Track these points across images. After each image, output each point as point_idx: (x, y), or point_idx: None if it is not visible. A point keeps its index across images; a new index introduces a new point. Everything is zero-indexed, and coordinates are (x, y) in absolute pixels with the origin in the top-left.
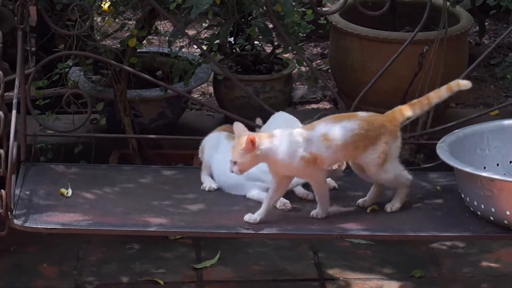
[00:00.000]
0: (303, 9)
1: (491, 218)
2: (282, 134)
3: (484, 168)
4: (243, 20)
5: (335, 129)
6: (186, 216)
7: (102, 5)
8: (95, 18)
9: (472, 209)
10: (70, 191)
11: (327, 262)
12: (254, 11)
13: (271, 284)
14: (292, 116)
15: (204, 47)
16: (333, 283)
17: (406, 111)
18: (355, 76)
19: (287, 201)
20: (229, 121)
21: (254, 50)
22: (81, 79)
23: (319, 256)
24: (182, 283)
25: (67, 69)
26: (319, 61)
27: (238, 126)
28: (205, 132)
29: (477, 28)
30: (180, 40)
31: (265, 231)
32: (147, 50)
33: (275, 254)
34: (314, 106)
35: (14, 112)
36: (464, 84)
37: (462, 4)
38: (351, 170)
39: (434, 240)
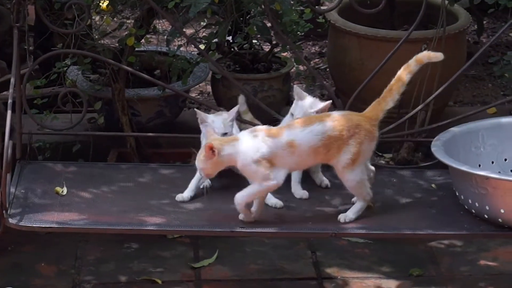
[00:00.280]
0: (301, 8)
1: (486, 216)
2: (246, 139)
3: (479, 166)
4: (241, 18)
5: (302, 134)
6: (182, 214)
7: (100, 4)
8: (93, 17)
9: (466, 207)
10: (65, 190)
11: (325, 261)
12: (253, 10)
13: (269, 283)
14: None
15: (202, 46)
16: (331, 282)
17: (386, 103)
18: (354, 74)
19: (279, 201)
20: None
21: (253, 49)
22: (79, 78)
23: (317, 255)
24: (180, 282)
25: (65, 68)
26: (317, 60)
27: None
28: None
29: (476, 26)
30: (178, 39)
31: (259, 230)
32: (145, 49)
33: (273, 253)
34: None
35: (9, 111)
36: (436, 55)
37: (461, 2)
38: None
39: (429, 239)
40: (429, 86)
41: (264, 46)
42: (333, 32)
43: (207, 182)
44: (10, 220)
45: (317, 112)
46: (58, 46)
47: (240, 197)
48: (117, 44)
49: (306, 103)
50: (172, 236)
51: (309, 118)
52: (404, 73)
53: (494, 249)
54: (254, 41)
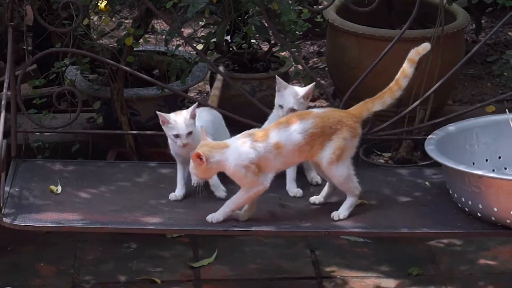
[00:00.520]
0: (300, 7)
1: (479, 214)
2: (235, 145)
3: (473, 164)
4: (239, 18)
5: (286, 134)
6: (177, 214)
7: (98, 4)
8: (92, 17)
9: (459, 205)
10: (59, 188)
11: (324, 260)
12: (251, 10)
13: (268, 282)
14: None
15: (201, 46)
16: (331, 281)
17: (374, 105)
18: (352, 73)
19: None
20: (226, 119)
21: (251, 49)
22: (77, 78)
23: (316, 254)
24: (179, 281)
25: (63, 68)
26: (316, 59)
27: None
28: None
29: (474, 25)
30: (177, 39)
31: (253, 229)
32: (143, 48)
33: (273, 253)
34: (311, 104)
35: (3, 111)
36: (423, 47)
37: (459, 1)
38: None
39: (423, 237)
40: (428, 85)
41: (262, 46)
42: (331, 31)
43: (200, 180)
44: (4, 219)
45: (303, 96)
46: (56, 46)
47: (230, 204)
48: (115, 44)
49: (292, 91)
50: (172, 235)
51: (290, 117)
52: (401, 78)
53: (494, 248)
54: (252, 40)
